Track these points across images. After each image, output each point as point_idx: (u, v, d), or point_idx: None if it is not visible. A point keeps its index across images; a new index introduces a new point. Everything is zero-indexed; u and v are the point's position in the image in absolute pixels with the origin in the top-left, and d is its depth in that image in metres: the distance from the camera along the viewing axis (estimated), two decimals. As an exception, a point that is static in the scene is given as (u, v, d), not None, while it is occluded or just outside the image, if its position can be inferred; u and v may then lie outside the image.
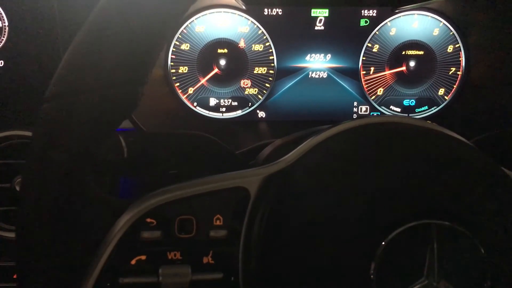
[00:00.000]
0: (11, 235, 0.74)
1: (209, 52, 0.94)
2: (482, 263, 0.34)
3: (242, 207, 0.40)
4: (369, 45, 0.97)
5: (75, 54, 0.35)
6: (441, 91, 1.00)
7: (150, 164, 0.52)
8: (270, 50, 0.96)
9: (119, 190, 0.48)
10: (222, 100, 0.97)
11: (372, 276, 0.33)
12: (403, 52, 0.97)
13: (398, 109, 1.00)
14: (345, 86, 0.98)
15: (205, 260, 0.39)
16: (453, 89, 0.99)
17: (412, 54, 0.97)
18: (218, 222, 0.40)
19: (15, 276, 0.75)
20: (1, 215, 0.74)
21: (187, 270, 0.38)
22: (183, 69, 0.95)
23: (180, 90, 0.96)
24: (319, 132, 0.42)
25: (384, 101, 1.00)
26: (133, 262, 0.38)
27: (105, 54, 0.34)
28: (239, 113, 0.99)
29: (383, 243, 0.34)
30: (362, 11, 0.95)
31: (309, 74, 0.97)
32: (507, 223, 0.36)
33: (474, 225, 0.35)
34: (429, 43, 0.97)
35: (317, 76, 0.98)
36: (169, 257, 0.39)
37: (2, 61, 0.79)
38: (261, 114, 0.99)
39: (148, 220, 0.38)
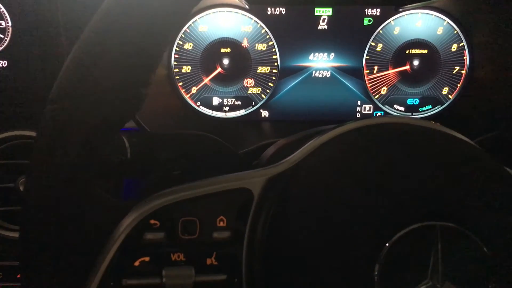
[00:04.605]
0: (15, 235, 0.75)
1: (212, 52, 0.94)
2: (487, 264, 0.34)
3: (246, 209, 0.40)
4: (373, 44, 0.96)
5: (78, 57, 0.35)
6: (445, 90, 0.99)
7: (154, 165, 0.52)
8: (274, 49, 0.95)
9: (122, 191, 0.48)
10: (225, 100, 0.97)
11: (376, 278, 0.33)
12: (407, 51, 0.97)
13: (402, 108, 1.00)
14: (349, 85, 0.98)
15: (208, 261, 0.39)
16: (457, 88, 0.99)
17: (416, 53, 0.97)
18: (221, 224, 0.40)
19: (18, 276, 0.76)
20: (5, 215, 0.74)
21: (191, 271, 0.38)
22: (186, 69, 0.95)
23: (183, 90, 0.96)
24: (323, 133, 0.42)
25: (388, 100, 1.00)
26: (136, 263, 0.38)
27: (108, 56, 0.34)
28: (242, 112, 0.98)
29: (387, 244, 0.33)
30: (366, 10, 0.95)
31: (312, 73, 0.97)
32: (512, 224, 0.36)
33: (479, 227, 0.35)
34: (433, 42, 0.96)
35: (320, 75, 0.97)
36: (173, 259, 0.39)
37: (6, 61, 0.79)
38: (264, 113, 0.99)
39: (152, 221, 0.38)
